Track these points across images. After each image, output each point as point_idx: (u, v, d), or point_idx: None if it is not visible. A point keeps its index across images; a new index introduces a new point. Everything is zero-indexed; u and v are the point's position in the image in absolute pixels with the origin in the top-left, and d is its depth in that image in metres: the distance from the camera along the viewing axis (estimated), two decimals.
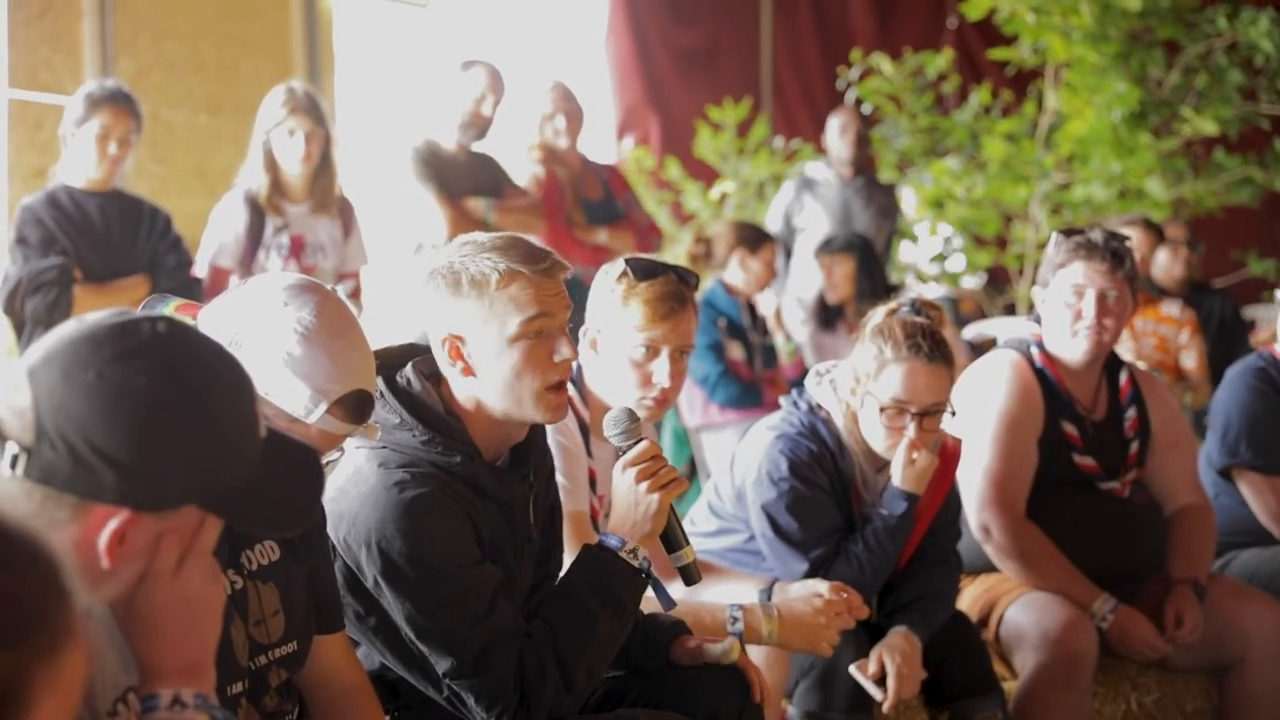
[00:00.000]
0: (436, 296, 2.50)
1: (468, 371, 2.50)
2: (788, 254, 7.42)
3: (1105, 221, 7.13)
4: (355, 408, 2.24)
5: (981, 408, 3.80)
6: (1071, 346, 3.80)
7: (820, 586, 3.21)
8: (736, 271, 6.45)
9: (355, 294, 5.52)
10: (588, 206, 6.11)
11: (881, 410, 3.33)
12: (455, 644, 2.43)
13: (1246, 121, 8.73)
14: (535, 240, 2.62)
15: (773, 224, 7.51)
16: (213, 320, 2.21)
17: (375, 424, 2.35)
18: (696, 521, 3.71)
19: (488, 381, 2.50)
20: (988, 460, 3.75)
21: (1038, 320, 3.93)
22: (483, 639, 2.44)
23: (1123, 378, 3.95)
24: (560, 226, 5.92)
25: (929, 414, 3.33)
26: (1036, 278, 3.92)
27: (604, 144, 9.12)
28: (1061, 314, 3.79)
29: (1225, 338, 6.55)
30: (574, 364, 3.10)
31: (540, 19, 9.15)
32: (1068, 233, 3.83)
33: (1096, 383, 3.91)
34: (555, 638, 2.49)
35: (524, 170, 6.04)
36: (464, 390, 2.53)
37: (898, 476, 3.38)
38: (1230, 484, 4.16)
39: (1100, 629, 3.69)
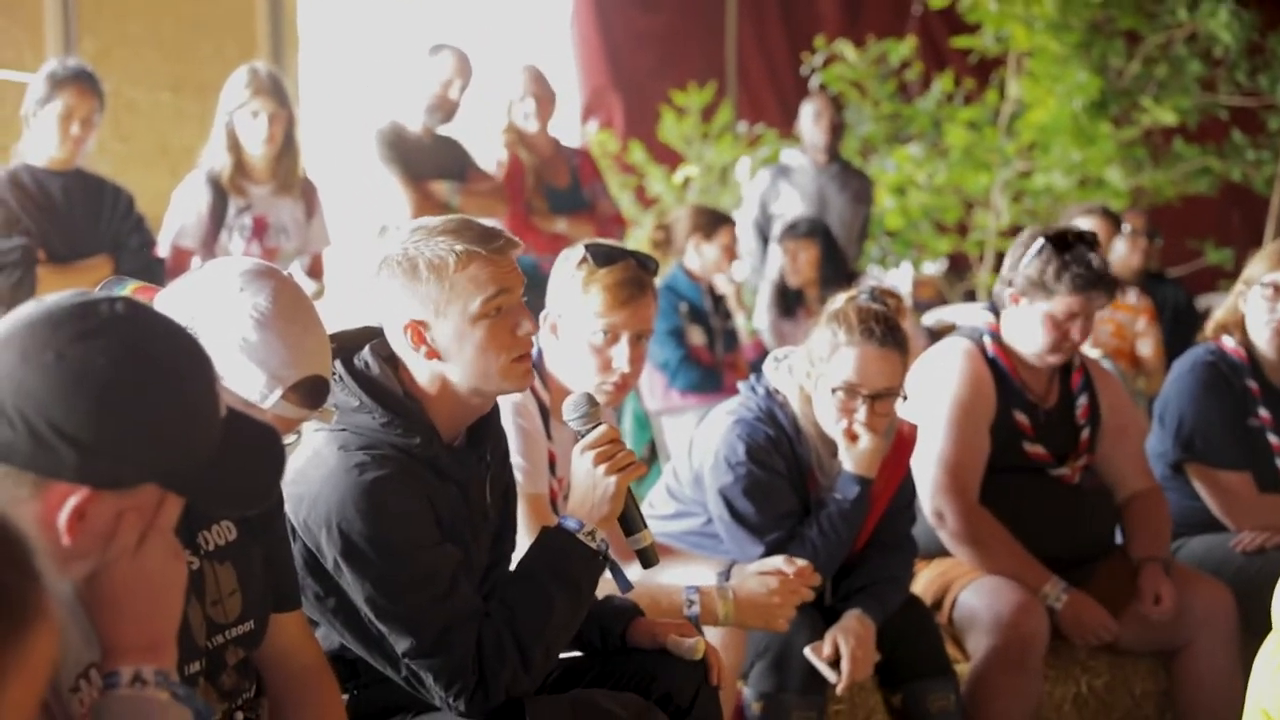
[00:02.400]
0: (394, 284, 2.52)
1: (432, 354, 2.52)
2: (765, 241, 7.44)
3: (1065, 209, 7.19)
4: (310, 393, 2.26)
5: (934, 395, 3.83)
6: (1042, 357, 3.84)
7: (776, 562, 3.25)
8: (694, 256, 6.48)
9: (316, 271, 5.52)
10: (552, 194, 6.12)
11: (833, 392, 3.37)
12: (415, 625, 2.46)
13: (1205, 112, 8.81)
14: (487, 221, 2.65)
15: (750, 211, 7.54)
16: (168, 305, 2.21)
17: (331, 408, 2.37)
18: (655, 505, 3.74)
19: (454, 362, 2.52)
20: (941, 447, 3.79)
21: (992, 309, 3.96)
22: (442, 620, 2.46)
23: (1074, 365, 4.00)
24: (519, 212, 5.93)
25: (880, 398, 3.37)
26: (1005, 272, 3.87)
27: (568, 127, 9.12)
28: (1040, 331, 3.80)
29: (1179, 326, 6.60)
30: (535, 347, 3.15)
31: (506, 1, 9.14)
32: (1061, 247, 3.75)
33: (1049, 372, 3.96)
34: (513, 619, 2.52)
35: (489, 153, 6.05)
36: (427, 373, 2.55)
37: (846, 461, 3.42)
38: (1179, 477, 4.21)
39: (1053, 610, 3.75)
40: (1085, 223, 6.31)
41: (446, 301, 2.50)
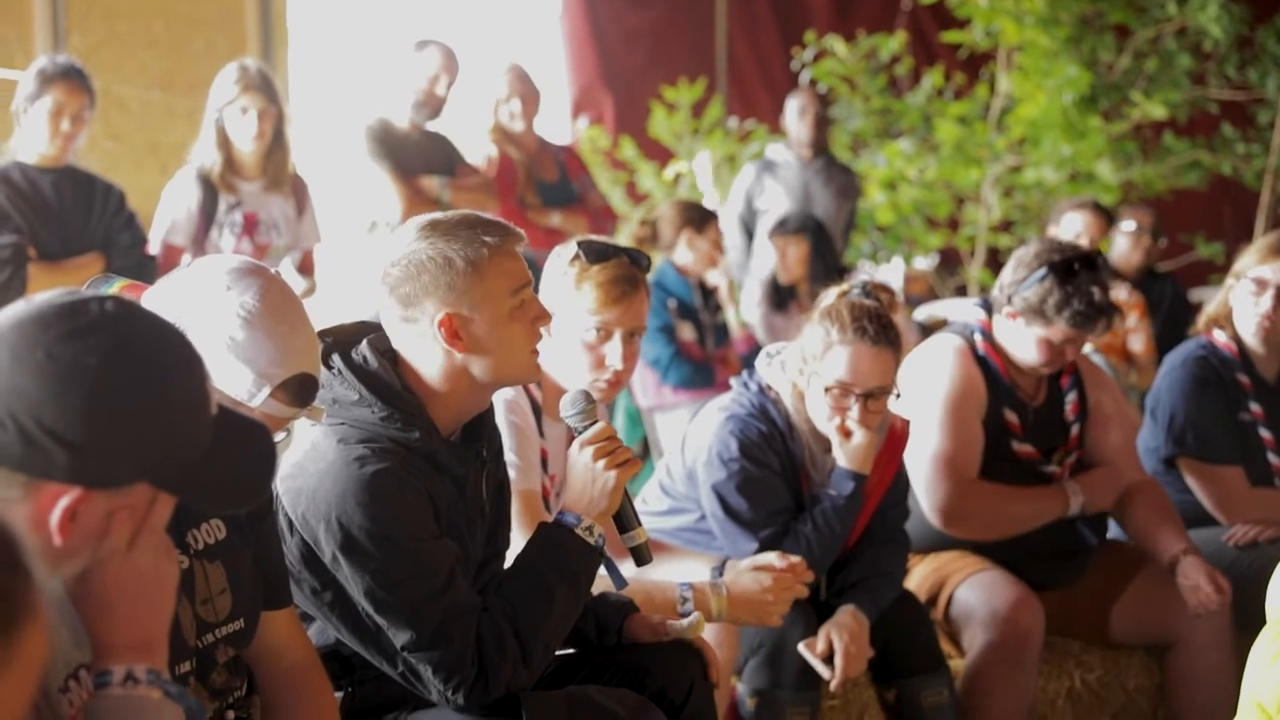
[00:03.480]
0: (424, 280, 2.50)
1: (466, 348, 2.52)
2: (750, 236, 7.44)
3: (1055, 204, 7.19)
4: (299, 391, 2.24)
5: (926, 393, 3.82)
6: (1030, 367, 3.84)
7: (769, 558, 3.24)
8: (685, 251, 6.46)
9: (307, 267, 5.51)
10: (542, 188, 6.12)
11: (826, 391, 3.37)
12: (415, 618, 2.45)
13: (1195, 105, 8.82)
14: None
15: (735, 206, 7.54)
16: (156, 303, 2.20)
17: (321, 406, 2.36)
18: (648, 501, 3.73)
19: (487, 354, 2.52)
20: (936, 443, 3.77)
21: (985, 305, 3.95)
22: (441, 613, 2.46)
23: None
24: (513, 208, 5.92)
25: (873, 396, 3.36)
26: (1004, 285, 3.82)
27: (558, 123, 9.11)
28: (1034, 351, 3.79)
29: (1173, 321, 6.58)
30: None
31: None
32: (1065, 277, 3.69)
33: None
34: (513, 612, 2.52)
35: (478, 150, 6.05)
36: (448, 366, 2.53)
37: (840, 457, 3.41)
38: (1171, 472, 4.20)
39: (1085, 506, 3.82)
40: (1076, 217, 6.31)
41: (484, 294, 2.50)
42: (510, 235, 2.55)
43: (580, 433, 2.64)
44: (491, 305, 2.51)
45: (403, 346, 2.57)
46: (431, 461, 2.52)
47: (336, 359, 2.53)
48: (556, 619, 2.56)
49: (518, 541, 2.74)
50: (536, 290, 2.70)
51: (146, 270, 4.82)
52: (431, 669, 2.48)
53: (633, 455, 2.64)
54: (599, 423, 2.65)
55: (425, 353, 2.55)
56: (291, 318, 2.25)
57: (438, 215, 2.57)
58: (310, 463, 2.49)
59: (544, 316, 2.59)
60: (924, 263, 9.40)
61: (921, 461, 3.76)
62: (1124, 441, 4.03)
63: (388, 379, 2.53)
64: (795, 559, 3.23)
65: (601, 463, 2.59)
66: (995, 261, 8.80)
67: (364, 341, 2.57)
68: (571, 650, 2.82)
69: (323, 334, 2.54)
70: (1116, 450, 4.00)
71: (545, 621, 2.53)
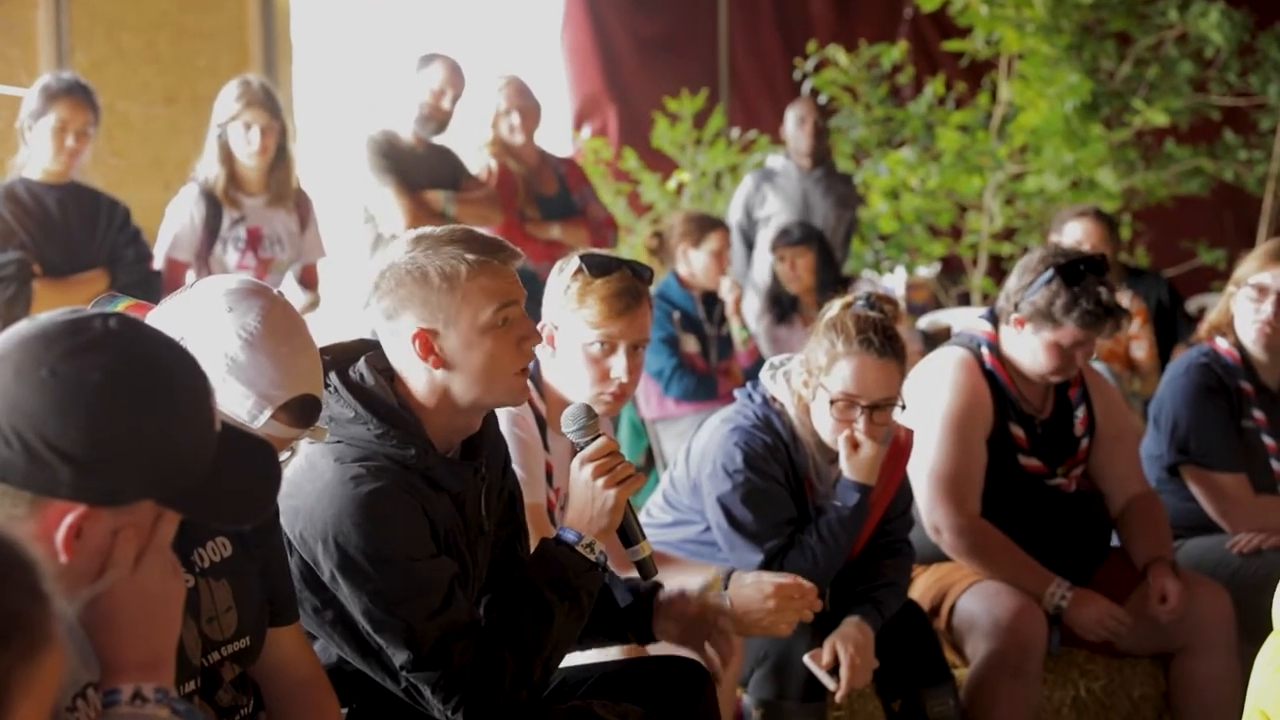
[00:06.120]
0: (400, 293, 2.51)
1: (439, 364, 2.52)
2: (750, 246, 7.44)
3: (1057, 212, 7.19)
4: (301, 412, 2.24)
5: (930, 407, 3.82)
6: (1043, 377, 3.84)
7: (775, 578, 3.24)
8: (684, 263, 6.46)
9: (310, 281, 5.52)
10: (542, 202, 6.12)
11: (832, 403, 3.37)
12: (412, 637, 2.46)
13: (1197, 112, 8.84)
14: (485, 231, 2.65)
15: (734, 216, 7.53)
16: (158, 324, 2.21)
17: (323, 426, 2.36)
18: (652, 513, 3.74)
19: (462, 371, 2.52)
20: (935, 461, 3.78)
21: (990, 317, 3.95)
22: (439, 632, 2.46)
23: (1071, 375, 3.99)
24: (513, 221, 5.93)
25: (878, 408, 3.37)
26: (1010, 292, 3.82)
27: (561, 134, 9.13)
28: (1043, 357, 3.78)
29: (1164, 323, 6.58)
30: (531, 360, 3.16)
31: (498, 8, 9.14)
32: (1071, 279, 3.70)
33: (1045, 383, 3.94)
34: (512, 630, 2.52)
35: (478, 164, 6.06)
36: (429, 383, 2.55)
37: (846, 468, 3.42)
38: (1175, 479, 4.20)
39: (1060, 609, 3.74)
40: (1078, 225, 6.30)
41: (457, 311, 2.50)
42: (499, 252, 2.53)
43: (582, 447, 2.64)
44: (465, 322, 2.50)
45: (395, 362, 2.58)
46: (428, 479, 2.52)
47: (334, 376, 2.53)
48: (556, 637, 2.55)
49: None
50: (538, 307, 2.69)
51: (151, 286, 4.84)
52: (430, 688, 2.48)
53: (635, 470, 2.63)
54: (600, 437, 2.64)
55: (410, 368, 2.56)
56: (294, 339, 2.24)
57: (430, 229, 2.58)
58: (307, 481, 2.49)
59: (531, 337, 2.57)
60: (927, 271, 9.41)
61: (921, 479, 3.76)
62: (1129, 453, 4.04)
63: (384, 396, 2.53)
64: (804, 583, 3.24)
65: (601, 480, 2.59)
66: (998, 269, 8.81)
67: (362, 359, 2.58)
68: (576, 664, 2.82)
69: (322, 351, 2.54)
70: (1123, 465, 4.00)
71: (545, 639, 2.53)
